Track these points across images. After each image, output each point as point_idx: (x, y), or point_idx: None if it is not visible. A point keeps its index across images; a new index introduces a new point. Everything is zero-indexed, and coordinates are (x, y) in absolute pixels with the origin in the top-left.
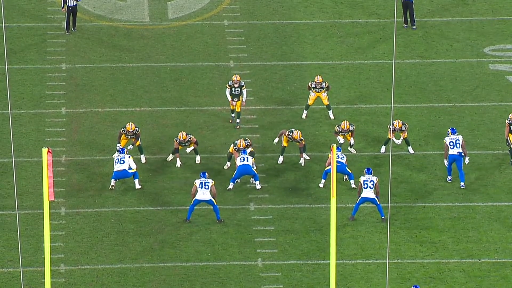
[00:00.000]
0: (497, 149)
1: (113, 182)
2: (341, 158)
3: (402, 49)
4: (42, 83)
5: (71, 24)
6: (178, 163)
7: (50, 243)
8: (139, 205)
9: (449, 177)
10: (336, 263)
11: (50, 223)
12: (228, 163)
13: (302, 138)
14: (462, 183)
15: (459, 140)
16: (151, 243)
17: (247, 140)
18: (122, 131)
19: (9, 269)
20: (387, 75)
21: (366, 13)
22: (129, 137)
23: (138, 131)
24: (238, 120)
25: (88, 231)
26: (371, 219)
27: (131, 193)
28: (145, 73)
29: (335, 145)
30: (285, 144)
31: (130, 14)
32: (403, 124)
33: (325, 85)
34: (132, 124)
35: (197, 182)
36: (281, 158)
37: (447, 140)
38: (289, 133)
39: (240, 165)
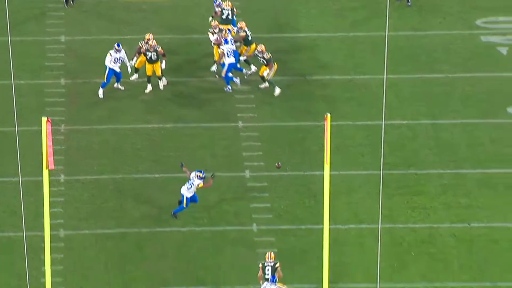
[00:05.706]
0: (488, 117)
1: (101, 92)
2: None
3: (395, 21)
4: (41, 55)
5: None
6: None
7: (50, 209)
8: (137, 172)
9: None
10: (329, 228)
11: (49, 190)
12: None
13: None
14: None
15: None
16: (149, 209)
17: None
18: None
19: (10, 234)
20: (381, 47)
21: None
22: (150, 56)
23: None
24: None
25: (87, 198)
26: (365, 186)
27: (129, 161)
28: None
29: (329, 115)
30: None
31: None
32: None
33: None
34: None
35: (193, 174)
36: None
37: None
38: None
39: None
